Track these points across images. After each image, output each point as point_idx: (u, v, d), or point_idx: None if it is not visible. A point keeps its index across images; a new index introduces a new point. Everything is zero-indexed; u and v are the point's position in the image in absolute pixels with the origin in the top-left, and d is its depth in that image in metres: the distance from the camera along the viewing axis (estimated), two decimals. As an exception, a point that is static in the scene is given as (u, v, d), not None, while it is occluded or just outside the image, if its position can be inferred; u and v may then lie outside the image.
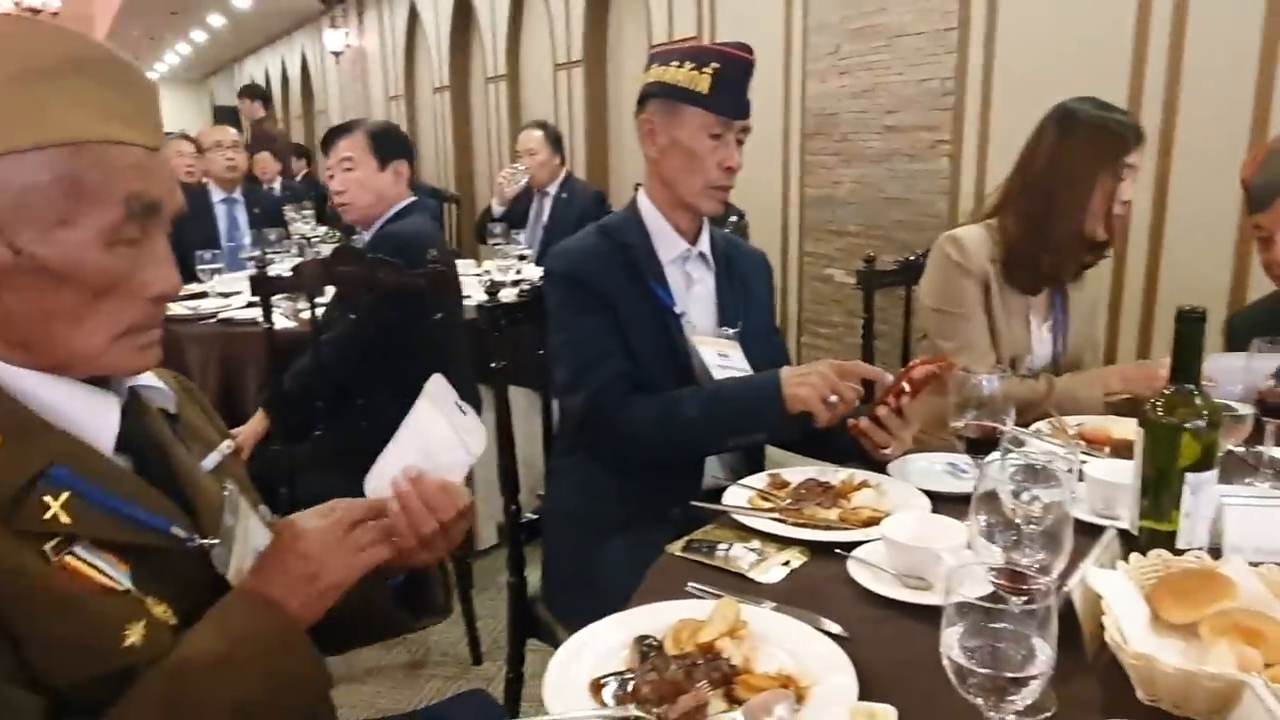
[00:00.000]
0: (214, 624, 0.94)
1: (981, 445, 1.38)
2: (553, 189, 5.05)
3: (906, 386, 1.60)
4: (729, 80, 1.76)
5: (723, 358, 1.81)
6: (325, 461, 2.60)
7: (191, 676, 0.90)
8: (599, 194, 5.38)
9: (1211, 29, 3.52)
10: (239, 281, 3.79)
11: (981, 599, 0.87)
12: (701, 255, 1.92)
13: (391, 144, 2.97)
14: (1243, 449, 1.59)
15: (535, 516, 2.06)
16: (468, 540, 3.30)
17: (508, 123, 9.47)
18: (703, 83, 1.75)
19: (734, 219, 3.95)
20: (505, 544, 2.04)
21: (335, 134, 3.01)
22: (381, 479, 1.08)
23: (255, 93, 9.61)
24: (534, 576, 2.02)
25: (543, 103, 8.59)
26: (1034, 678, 0.83)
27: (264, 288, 2.56)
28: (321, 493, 1.13)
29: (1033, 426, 1.80)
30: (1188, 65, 3.60)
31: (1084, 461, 1.50)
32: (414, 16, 11.26)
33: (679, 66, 1.77)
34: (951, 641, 0.86)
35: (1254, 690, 0.82)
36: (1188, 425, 1.13)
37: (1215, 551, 1.20)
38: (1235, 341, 2.03)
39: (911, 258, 2.74)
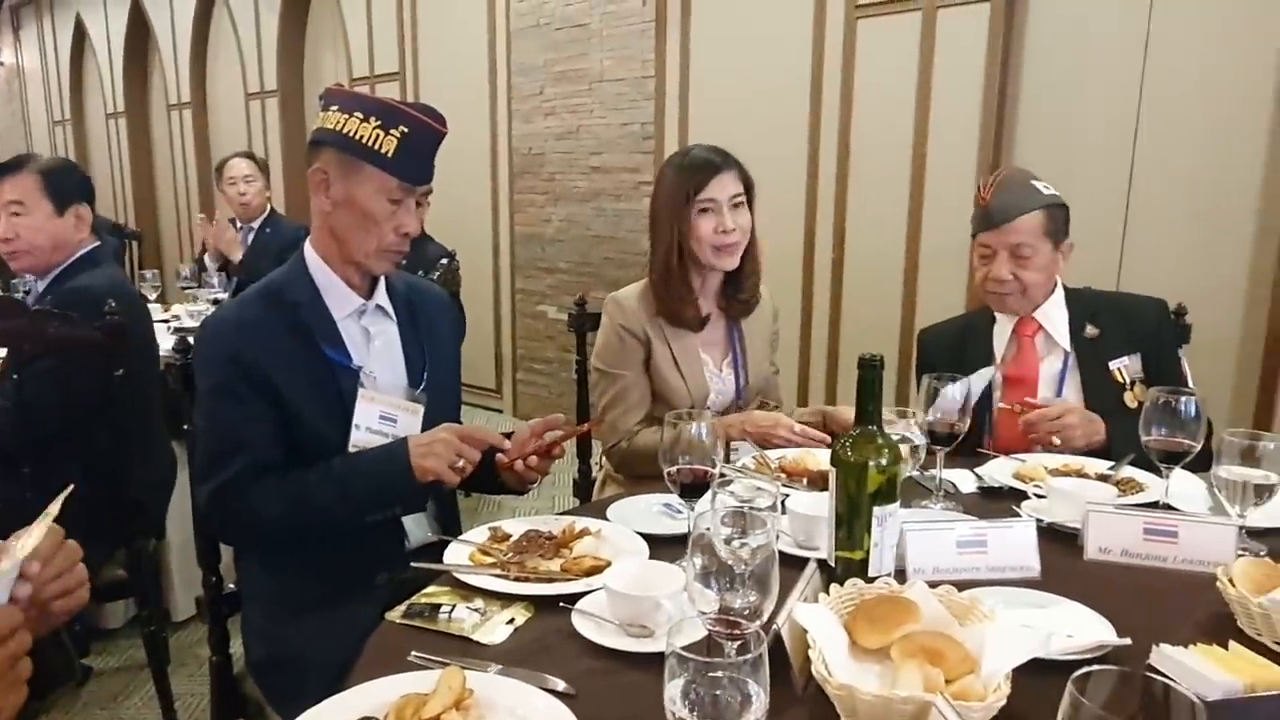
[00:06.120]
0: None
1: (693, 489, 1.43)
2: (256, 223, 4.87)
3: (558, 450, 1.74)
4: (416, 147, 1.66)
5: (385, 421, 1.73)
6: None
7: None
8: (303, 230, 5.13)
9: (869, 85, 4.00)
10: None
11: (697, 644, 0.90)
12: (379, 307, 1.81)
13: (70, 185, 2.64)
14: (918, 473, 1.76)
15: (237, 588, 1.91)
16: (163, 612, 3.02)
17: (194, 153, 8.86)
18: (388, 144, 1.63)
19: (444, 260, 3.89)
20: (204, 617, 1.90)
21: None
22: None
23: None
24: (240, 650, 1.87)
25: (235, 133, 8.11)
26: (752, 721, 0.86)
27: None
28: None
29: (739, 463, 1.89)
30: (856, 121, 4.09)
31: (786, 495, 1.60)
32: (81, 33, 10.23)
33: (363, 120, 1.64)
34: (674, 694, 0.89)
35: (938, 708, 0.90)
36: (872, 462, 1.23)
37: (901, 574, 1.32)
38: (926, 352, 2.33)
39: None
